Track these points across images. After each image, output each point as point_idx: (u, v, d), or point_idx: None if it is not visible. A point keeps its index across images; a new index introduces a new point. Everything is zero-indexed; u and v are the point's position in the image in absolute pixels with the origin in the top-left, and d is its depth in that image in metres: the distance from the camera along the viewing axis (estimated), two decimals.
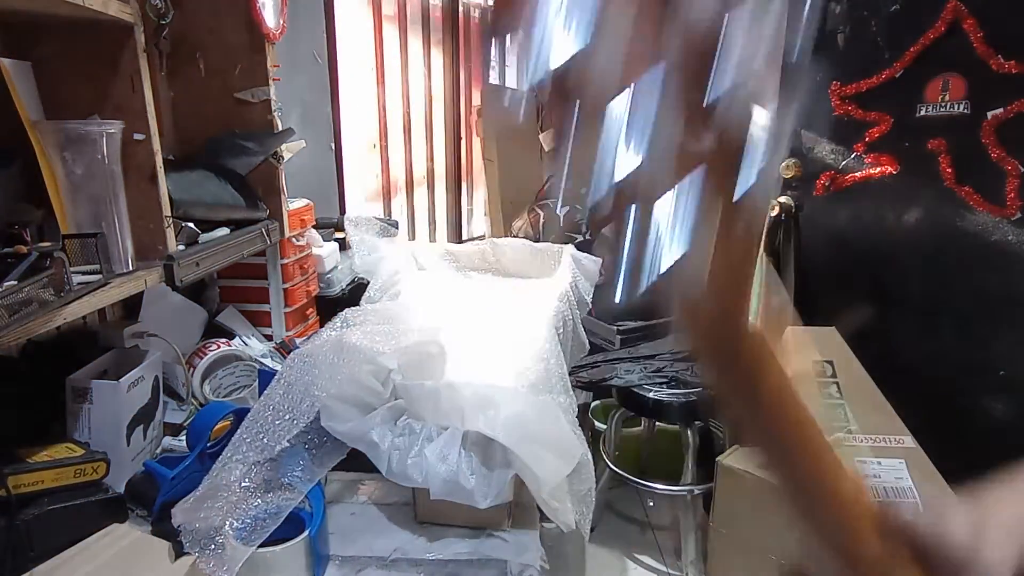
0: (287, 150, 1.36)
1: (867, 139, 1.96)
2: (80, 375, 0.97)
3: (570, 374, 1.25)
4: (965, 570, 0.28)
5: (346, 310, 1.14)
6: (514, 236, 2.54)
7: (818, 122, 2.03)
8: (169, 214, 0.99)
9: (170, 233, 0.99)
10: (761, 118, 0.33)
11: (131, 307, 1.21)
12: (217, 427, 0.98)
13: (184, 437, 1.06)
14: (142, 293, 1.12)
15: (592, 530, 1.43)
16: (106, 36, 0.91)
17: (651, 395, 1.73)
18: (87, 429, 0.95)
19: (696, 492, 1.75)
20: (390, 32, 2.35)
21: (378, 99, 2.30)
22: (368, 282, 1.50)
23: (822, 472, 0.30)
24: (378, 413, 0.93)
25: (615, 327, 2.05)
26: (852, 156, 2.01)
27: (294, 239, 1.43)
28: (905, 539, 0.29)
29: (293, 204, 1.42)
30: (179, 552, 0.78)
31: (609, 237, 0.28)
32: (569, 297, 1.45)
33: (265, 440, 0.88)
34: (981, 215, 1.83)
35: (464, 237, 3.02)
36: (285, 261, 1.41)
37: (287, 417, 0.90)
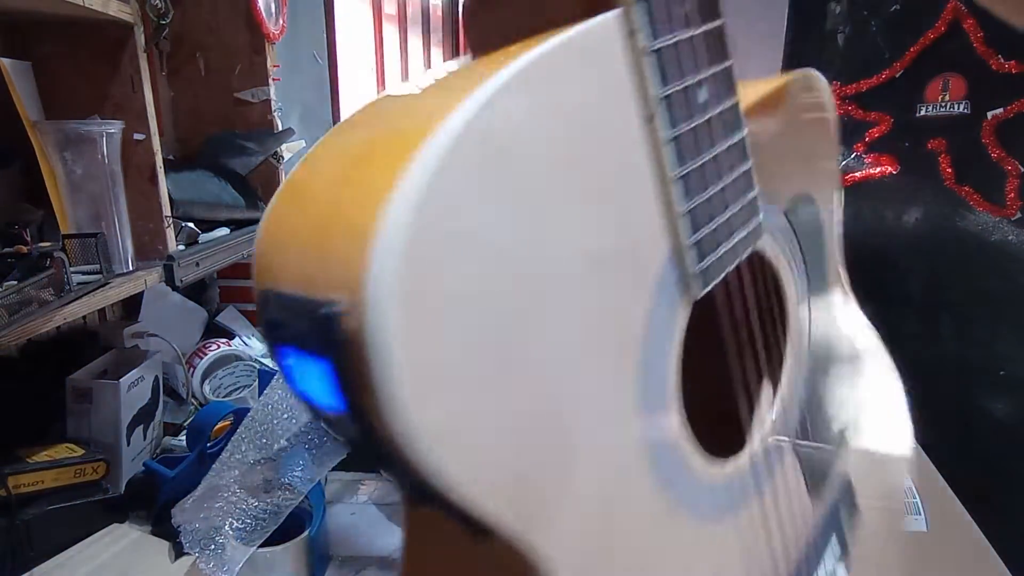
0: (287, 150, 1.36)
1: (867, 139, 1.96)
2: (80, 375, 0.97)
3: None
4: None
5: None
6: None
7: None
8: (169, 214, 0.99)
9: (170, 233, 0.99)
10: None
11: (131, 307, 1.21)
12: (217, 427, 0.98)
13: (184, 437, 1.06)
14: (142, 293, 1.12)
15: None
16: (106, 36, 0.91)
17: None
18: (87, 429, 0.95)
19: None
20: (390, 32, 2.35)
21: None
22: None
23: None
24: None
25: None
26: (852, 156, 2.01)
27: None
28: None
29: None
30: (179, 552, 0.78)
31: None
32: None
33: (265, 440, 0.88)
34: (981, 215, 1.84)
35: None
36: None
37: (285, 416, 0.90)
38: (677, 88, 0.27)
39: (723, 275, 0.31)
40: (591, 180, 0.25)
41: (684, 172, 0.28)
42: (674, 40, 0.27)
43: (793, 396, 0.41)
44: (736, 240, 0.32)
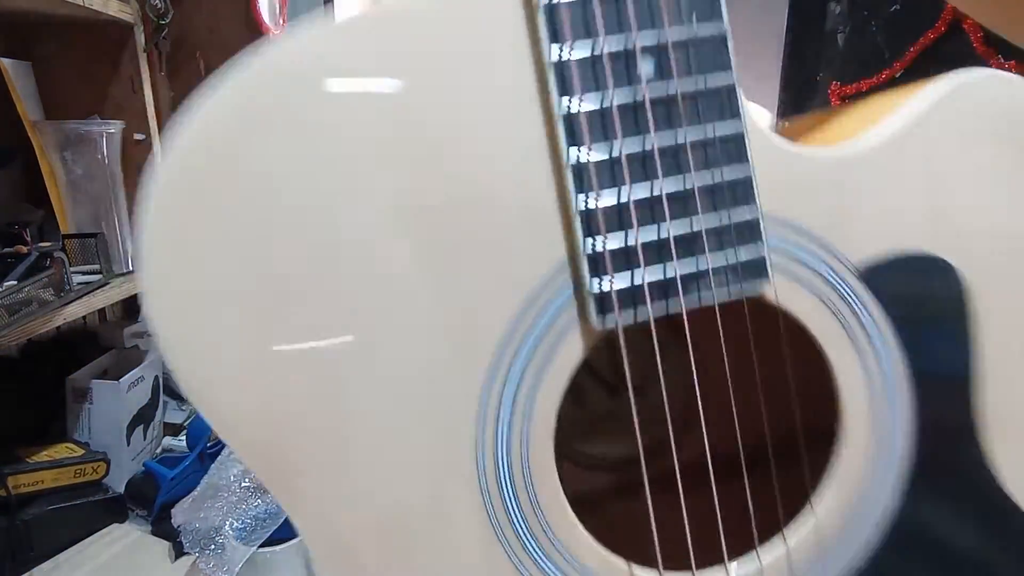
0: None
1: None
2: (80, 375, 0.97)
3: None
4: None
5: None
6: None
7: None
8: None
9: None
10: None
11: (131, 307, 1.20)
12: None
13: (184, 437, 1.06)
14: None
15: None
16: (106, 36, 0.91)
17: None
18: (87, 429, 0.95)
19: None
20: None
21: None
22: None
23: None
24: None
25: None
26: None
27: None
28: None
29: None
30: (179, 552, 0.78)
31: None
32: None
33: None
34: None
35: None
36: None
37: None
38: (575, 53, 0.22)
39: (656, 314, 0.24)
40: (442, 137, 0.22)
41: (579, 159, 0.22)
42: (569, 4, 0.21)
43: (824, 555, 0.28)
44: (684, 271, 0.24)
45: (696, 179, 0.23)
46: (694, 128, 0.23)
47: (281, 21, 1.31)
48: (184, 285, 0.21)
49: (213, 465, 0.87)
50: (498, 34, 0.22)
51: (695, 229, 0.23)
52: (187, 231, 0.21)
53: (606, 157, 0.22)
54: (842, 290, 0.26)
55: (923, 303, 0.27)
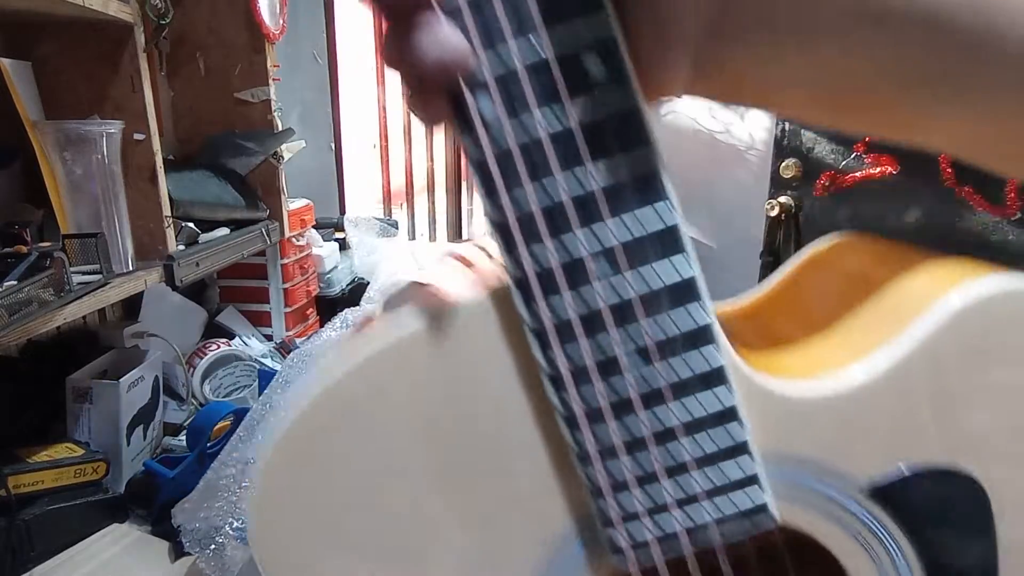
0: (287, 150, 1.36)
1: (867, 139, 1.96)
2: (80, 375, 0.97)
3: None
4: None
5: (346, 310, 1.14)
6: None
7: None
8: (169, 214, 0.99)
9: (170, 233, 0.99)
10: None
11: (131, 307, 1.21)
12: (217, 427, 0.98)
13: (184, 437, 1.06)
14: (142, 293, 1.12)
15: None
16: (106, 36, 0.91)
17: None
18: (87, 429, 0.95)
19: None
20: None
21: (378, 99, 2.30)
22: (368, 282, 1.50)
23: None
24: None
25: None
26: (852, 156, 2.01)
27: (294, 239, 1.43)
28: None
29: (293, 204, 1.42)
30: (179, 552, 0.78)
31: None
32: None
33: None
34: (981, 215, 1.83)
35: (464, 237, 3.02)
36: (285, 261, 1.41)
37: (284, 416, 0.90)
38: (562, 362, 0.24)
39: (664, 558, 0.27)
40: (469, 436, 0.27)
41: (579, 442, 0.25)
42: (552, 320, 0.24)
43: None
44: (685, 526, 0.26)
45: (688, 450, 0.25)
46: (677, 407, 0.25)
47: (281, 21, 1.31)
48: (286, 534, 0.27)
49: (213, 465, 0.87)
50: (497, 356, 0.25)
51: (692, 492, 0.26)
52: (286, 494, 0.27)
53: (603, 447, 0.25)
54: (851, 508, 0.27)
55: (940, 512, 0.28)
